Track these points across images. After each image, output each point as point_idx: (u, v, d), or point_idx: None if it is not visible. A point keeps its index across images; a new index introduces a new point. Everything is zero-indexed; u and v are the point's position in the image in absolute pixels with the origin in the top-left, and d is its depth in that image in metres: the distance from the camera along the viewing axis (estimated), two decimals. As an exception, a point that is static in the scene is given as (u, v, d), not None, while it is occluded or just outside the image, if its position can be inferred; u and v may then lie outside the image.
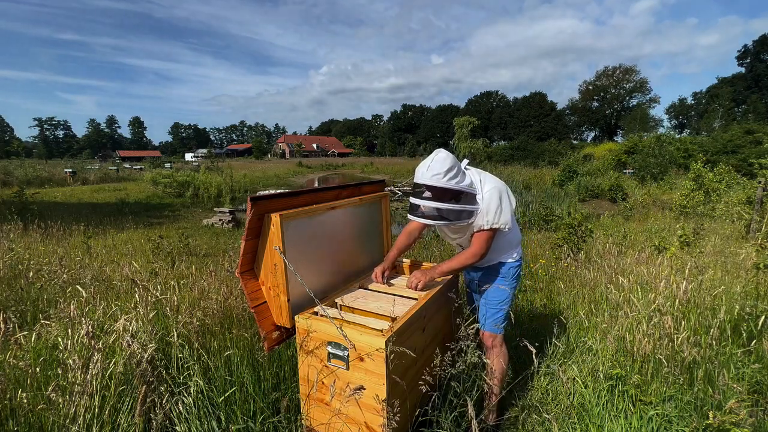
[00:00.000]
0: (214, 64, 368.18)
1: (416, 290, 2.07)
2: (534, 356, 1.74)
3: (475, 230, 1.98)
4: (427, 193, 1.89)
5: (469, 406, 1.43)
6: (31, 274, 3.52)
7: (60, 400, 1.67)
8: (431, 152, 1.96)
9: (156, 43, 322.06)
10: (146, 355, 1.88)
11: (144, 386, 1.66)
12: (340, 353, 1.69)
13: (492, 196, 1.93)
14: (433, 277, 2.07)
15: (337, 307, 1.85)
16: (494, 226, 1.94)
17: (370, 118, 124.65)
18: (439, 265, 2.09)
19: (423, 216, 1.95)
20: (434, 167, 1.81)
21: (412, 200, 1.93)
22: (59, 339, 2.11)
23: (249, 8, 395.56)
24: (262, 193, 2.73)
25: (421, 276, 2.07)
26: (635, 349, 2.26)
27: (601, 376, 2.24)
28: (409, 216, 2.08)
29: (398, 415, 1.52)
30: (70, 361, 1.81)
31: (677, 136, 28.65)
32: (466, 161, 2.06)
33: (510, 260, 2.18)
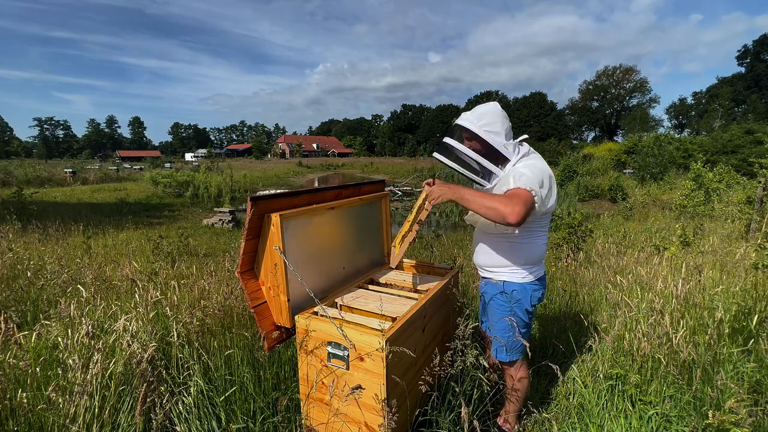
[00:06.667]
0: (211, 63, 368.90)
1: (430, 201, 1.74)
2: (527, 350, 1.75)
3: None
4: (457, 133, 1.77)
5: (463, 409, 1.43)
6: (29, 274, 3.53)
7: (60, 400, 1.67)
8: (431, 152, 1.92)
9: (151, 40, 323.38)
10: (146, 355, 1.89)
11: (144, 386, 1.66)
12: (340, 353, 1.69)
13: (526, 167, 1.65)
14: (455, 193, 1.67)
15: (337, 307, 1.85)
16: (520, 186, 1.57)
17: (369, 117, 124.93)
18: (468, 189, 1.68)
19: (439, 151, 1.80)
20: (476, 110, 1.74)
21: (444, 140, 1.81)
22: (59, 339, 2.11)
23: (242, 4, 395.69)
24: (262, 193, 2.73)
25: (441, 187, 1.71)
26: (634, 349, 2.26)
27: (601, 376, 2.24)
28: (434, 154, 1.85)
29: (398, 414, 1.52)
30: (70, 361, 1.81)
31: (677, 136, 28.64)
32: (524, 136, 1.87)
33: (515, 280, 1.81)
